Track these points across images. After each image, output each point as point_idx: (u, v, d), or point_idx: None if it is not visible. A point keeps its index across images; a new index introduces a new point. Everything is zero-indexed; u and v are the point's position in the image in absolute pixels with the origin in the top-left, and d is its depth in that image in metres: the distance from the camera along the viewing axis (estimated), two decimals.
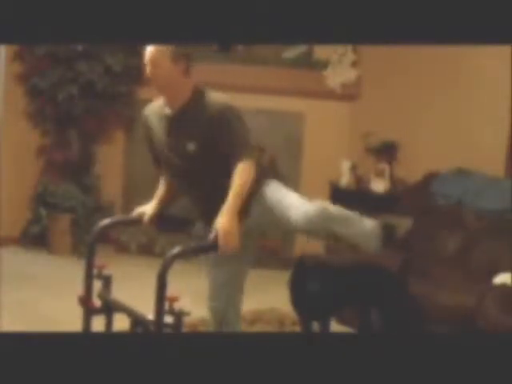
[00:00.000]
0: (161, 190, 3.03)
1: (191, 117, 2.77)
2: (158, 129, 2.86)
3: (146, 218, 3.00)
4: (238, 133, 2.75)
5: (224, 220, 2.63)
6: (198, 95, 2.79)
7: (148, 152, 2.98)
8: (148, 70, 2.77)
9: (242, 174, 2.69)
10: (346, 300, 3.49)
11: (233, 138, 2.74)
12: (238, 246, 2.65)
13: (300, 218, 2.71)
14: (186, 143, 2.76)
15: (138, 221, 3.04)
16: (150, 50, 2.73)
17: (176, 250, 2.59)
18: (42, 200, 5.21)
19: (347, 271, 3.51)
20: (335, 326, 4.17)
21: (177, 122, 2.80)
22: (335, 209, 2.82)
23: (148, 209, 3.02)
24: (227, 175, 2.70)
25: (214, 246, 2.66)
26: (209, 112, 2.73)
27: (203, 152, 2.74)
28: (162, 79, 2.75)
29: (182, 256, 2.65)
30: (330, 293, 3.37)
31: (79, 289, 2.92)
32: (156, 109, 2.89)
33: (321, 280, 3.36)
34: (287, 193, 2.82)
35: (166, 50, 2.71)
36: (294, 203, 2.75)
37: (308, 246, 5.36)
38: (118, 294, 2.98)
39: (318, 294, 3.36)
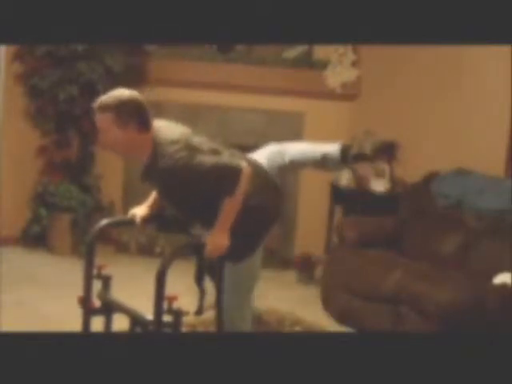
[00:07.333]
0: (154, 193, 3.03)
1: (158, 171, 2.70)
2: None
3: (138, 219, 3.01)
4: (211, 172, 2.63)
5: (213, 236, 2.68)
6: (156, 150, 2.70)
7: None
8: (99, 137, 2.71)
9: (229, 202, 2.67)
10: None
11: (210, 179, 2.64)
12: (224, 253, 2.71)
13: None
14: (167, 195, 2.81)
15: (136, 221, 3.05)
16: (97, 118, 2.65)
17: (175, 248, 2.60)
18: (42, 200, 5.21)
19: None
20: (335, 326, 4.17)
21: (151, 175, 2.77)
22: None
23: (140, 211, 3.02)
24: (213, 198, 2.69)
25: None
26: (171, 165, 2.64)
27: (186, 197, 2.73)
28: (114, 145, 2.71)
29: (181, 254, 2.65)
30: None
31: (79, 289, 2.93)
32: None
33: None
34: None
35: (109, 116, 2.61)
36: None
37: (308, 247, 5.38)
38: (118, 294, 2.98)
39: None
